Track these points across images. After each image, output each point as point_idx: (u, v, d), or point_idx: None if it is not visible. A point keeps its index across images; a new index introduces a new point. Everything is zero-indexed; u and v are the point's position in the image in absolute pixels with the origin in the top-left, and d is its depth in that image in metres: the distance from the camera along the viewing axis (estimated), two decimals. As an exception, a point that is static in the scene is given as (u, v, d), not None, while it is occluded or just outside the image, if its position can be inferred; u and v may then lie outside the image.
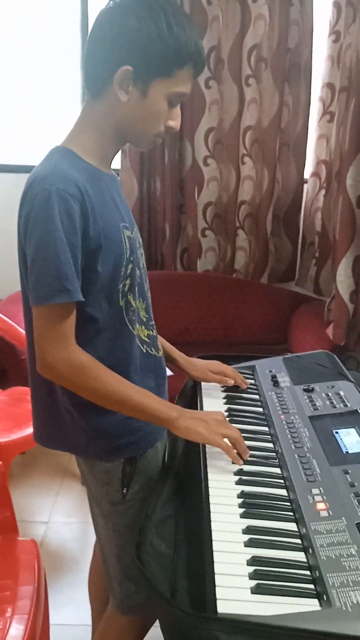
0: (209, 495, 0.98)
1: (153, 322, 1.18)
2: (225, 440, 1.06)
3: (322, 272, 2.75)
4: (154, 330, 1.17)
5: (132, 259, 1.09)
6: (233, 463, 1.06)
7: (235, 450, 1.05)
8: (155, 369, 1.15)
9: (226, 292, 2.80)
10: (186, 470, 1.13)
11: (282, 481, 1.03)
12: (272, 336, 2.80)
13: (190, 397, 1.38)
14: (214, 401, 1.32)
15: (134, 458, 1.13)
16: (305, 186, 2.84)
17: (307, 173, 2.83)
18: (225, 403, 1.32)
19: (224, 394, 1.35)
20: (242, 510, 0.95)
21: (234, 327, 2.79)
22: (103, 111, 1.03)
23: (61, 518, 2.26)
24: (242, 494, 0.99)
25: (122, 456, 1.12)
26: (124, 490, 1.13)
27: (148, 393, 1.05)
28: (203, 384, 1.36)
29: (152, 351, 1.15)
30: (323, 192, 2.73)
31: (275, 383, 1.37)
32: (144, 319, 1.14)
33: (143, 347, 1.13)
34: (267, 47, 2.64)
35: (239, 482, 1.02)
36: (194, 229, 2.83)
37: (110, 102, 1.01)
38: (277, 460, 1.08)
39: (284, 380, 1.38)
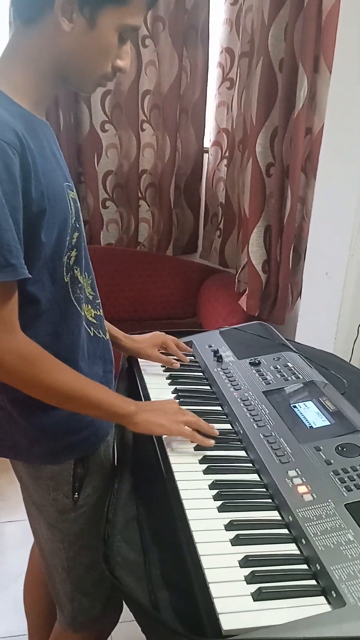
0: (177, 489, 0.88)
1: (99, 300, 1.07)
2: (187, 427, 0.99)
3: (227, 243, 2.71)
4: (100, 310, 1.07)
5: (77, 225, 0.96)
6: (197, 449, 0.98)
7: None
8: (103, 354, 1.05)
9: (132, 266, 2.70)
10: (140, 463, 1.06)
11: (251, 465, 0.97)
12: (181, 310, 2.76)
13: (128, 379, 1.29)
14: (157, 381, 1.23)
15: (85, 457, 1.04)
16: (206, 156, 2.77)
17: (208, 142, 2.76)
18: (170, 384, 1.23)
19: (166, 374, 1.27)
20: (218, 503, 0.86)
21: (142, 303, 2.72)
22: (39, 43, 0.85)
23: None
24: (214, 485, 0.91)
25: (72, 456, 1.02)
26: (75, 496, 1.03)
27: (102, 387, 0.96)
28: (141, 362, 1.29)
29: (99, 334, 1.05)
30: (225, 162, 2.66)
31: (219, 358, 1.30)
32: (90, 297, 1.04)
33: (90, 330, 1.02)
34: (163, 5, 2.49)
35: (207, 471, 0.94)
36: (95, 200, 2.66)
37: (48, 31, 0.84)
38: (240, 443, 1.03)
39: (227, 355, 1.32)
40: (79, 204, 0.99)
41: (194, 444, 1.00)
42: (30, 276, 0.85)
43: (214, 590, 0.71)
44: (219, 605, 0.69)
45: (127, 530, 0.89)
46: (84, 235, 1.01)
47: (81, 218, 0.99)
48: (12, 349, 0.84)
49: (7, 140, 0.79)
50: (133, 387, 1.24)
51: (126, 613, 1.03)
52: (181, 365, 1.29)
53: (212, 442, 0.99)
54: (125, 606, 1.15)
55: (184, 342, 1.39)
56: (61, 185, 0.91)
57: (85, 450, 1.03)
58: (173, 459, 0.96)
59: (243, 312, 2.26)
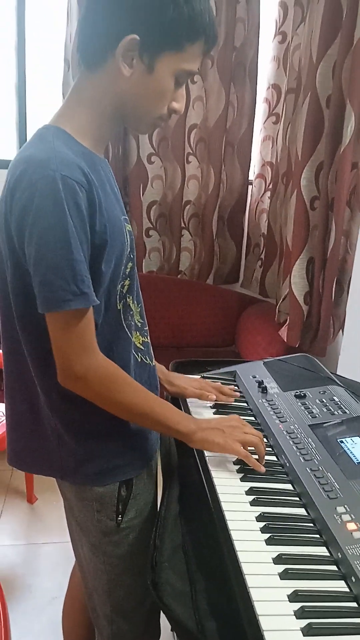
0: (225, 519, 0.89)
1: (147, 327, 1.11)
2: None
3: (268, 273, 2.73)
4: (147, 337, 1.10)
5: (131, 256, 1.00)
6: (243, 479, 0.99)
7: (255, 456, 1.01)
8: (149, 379, 1.08)
9: (172, 293, 2.74)
10: (186, 489, 1.05)
11: (298, 499, 0.96)
12: (219, 338, 2.78)
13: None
14: (200, 411, 1.24)
15: (130, 480, 1.04)
16: (250, 188, 2.82)
17: (252, 174, 2.81)
18: (215, 413, 1.24)
19: (211, 403, 1.28)
20: (266, 535, 0.86)
21: (182, 330, 2.75)
22: (101, 87, 0.90)
23: (7, 541, 2.05)
24: (262, 517, 0.90)
25: (117, 479, 1.03)
26: (119, 518, 1.04)
27: (168, 405, 1.01)
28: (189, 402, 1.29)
29: (146, 360, 1.08)
30: (269, 193, 2.71)
31: (263, 390, 1.30)
32: (139, 324, 1.07)
33: (138, 356, 1.05)
34: (213, 44, 2.58)
35: (254, 503, 0.94)
36: (139, 229, 2.72)
37: (110, 76, 0.89)
38: (286, 476, 1.02)
39: (272, 386, 1.32)
40: (133, 236, 1.03)
41: (240, 474, 1.00)
42: (98, 302, 0.89)
43: (264, 623, 0.71)
44: (269, 639, 0.68)
45: (174, 558, 0.89)
46: (136, 265, 1.05)
47: (134, 249, 1.03)
48: (95, 368, 0.89)
49: (76, 179, 0.83)
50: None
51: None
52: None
53: (264, 469, 0.99)
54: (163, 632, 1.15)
55: (225, 372, 1.40)
56: (119, 219, 0.95)
57: (129, 473, 1.04)
58: (220, 488, 0.96)
59: (283, 342, 2.26)
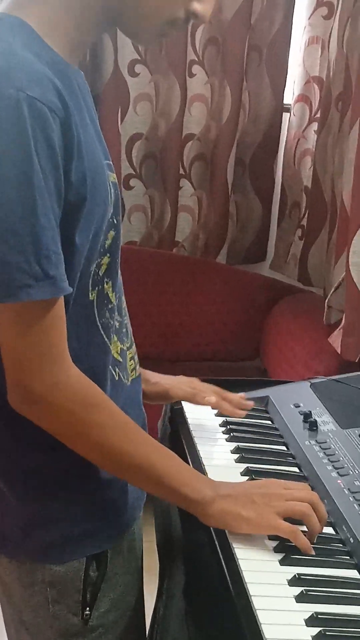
0: (258, 624, 0.90)
1: (128, 329, 1.15)
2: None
3: (311, 249, 2.75)
4: (126, 343, 1.14)
5: (115, 222, 1.02)
6: (284, 562, 1.01)
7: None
8: (124, 406, 1.08)
9: (164, 277, 2.77)
10: (196, 575, 1.09)
11: None
12: (236, 347, 2.81)
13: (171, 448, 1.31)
14: (217, 456, 1.28)
15: (102, 555, 1.08)
16: (287, 117, 2.83)
17: (290, 96, 2.83)
18: (238, 460, 1.27)
19: (231, 445, 1.31)
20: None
21: (178, 334, 2.78)
22: None
23: None
24: (314, 619, 0.92)
25: (84, 553, 1.06)
26: (87, 612, 1.07)
27: (173, 456, 1.05)
28: (191, 425, 1.36)
29: (123, 378, 1.12)
30: (315, 126, 2.72)
31: (312, 426, 1.34)
32: (117, 324, 1.10)
33: (115, 372, 1.09)
34: None
35: (303, 599, 0.95)
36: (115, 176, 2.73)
37: None
38: (350, 558, 1.04)
39: (325, 420, 1.36)
40: (119, 190, 1.04)
41: (280, 555, 1.02)
42: (71, 290, 0.91)
43: None
44: None
45: None
46: (120, 235, 1.06)
47: (120, 211, 1.04)
48: (64, 387, 0.92)
49: (48, 103, 0.84)
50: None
51: None
52: (255, 435, 1.34)
53: (313, 551, 1.02)
54: None
55: (252, 398, 1.42)
56: (102, 165, 0.96)
57: (102, 545, 1.07)
58: (249, 576, 0.98)
59: (336, 355, 2.28)
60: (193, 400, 1.33)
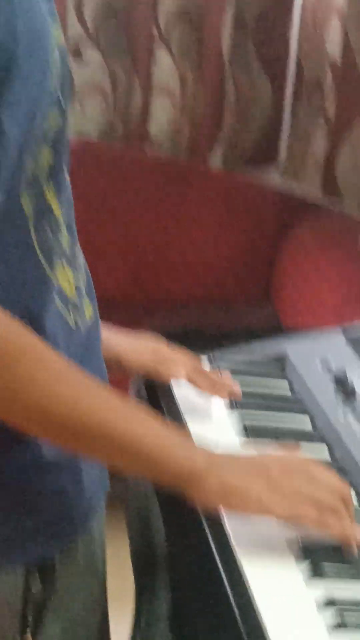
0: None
1: (83, 260, 1.21)
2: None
3: (341, 147, 2.78)
4: (83, 275, 1.19)
5: (60, 99, 1.03)
6: (315, 574, 1.04)
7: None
8: (83, 360, 1.13)
9: (132, 190, 2.80)
10: (186, 592, 1.11)
11: None
12: (236, 290, 2.85)
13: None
14: (213, 437, 1.30)
15: (48, 564, 1.12)
16: None
17: None
18: (244, 432, 1.32)
19: (233, 421, 1.36)
20: None
21: (154, 272, 2.82)
22: None
23: None
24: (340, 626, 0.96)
25: (21, 561, 1.10)
26: (26, 636, 1.12)
27: (148, 414, 1.08)
28: (178, 395, 1.42)
29: (78, 322, 1.16)
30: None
31: (348, 393, 1.37)
32: (68, 251, 1.14)
33: (68, 313, 1.13)
34: None
35: (337, 629, 0.98)
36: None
37: None
38: None
39: None
40: (67, 54, 1.05)
41: (304, 563, 1.05)
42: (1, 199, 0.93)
43: None
44: None
45: None
46: (68, 124, 1.08)
47: (68, 82, 1.06)
48: None
49: None
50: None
51: None
52: (268, 409, 1.38)
53: (357, 550, 1.05)
54: None
55: (263, 357, 1.47)
56: (42, 14, 0.98)
57: (46, 548, 1.10)
58: (261, 598, 1.00)
59: None
60: (156, 376, 1.38)
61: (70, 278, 1.13)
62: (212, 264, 2.85)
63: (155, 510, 1.21)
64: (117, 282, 2.79)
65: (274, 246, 2.82)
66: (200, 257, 2.85)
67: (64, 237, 1.11)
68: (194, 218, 2.83)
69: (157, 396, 1.41)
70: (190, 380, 1.38)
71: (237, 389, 1.40)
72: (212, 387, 1.38)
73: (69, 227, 1.12)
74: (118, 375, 1.39)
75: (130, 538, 1.24)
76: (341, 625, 0.96)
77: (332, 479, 1.09)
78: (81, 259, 1.19)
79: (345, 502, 1.07)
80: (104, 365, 1.24)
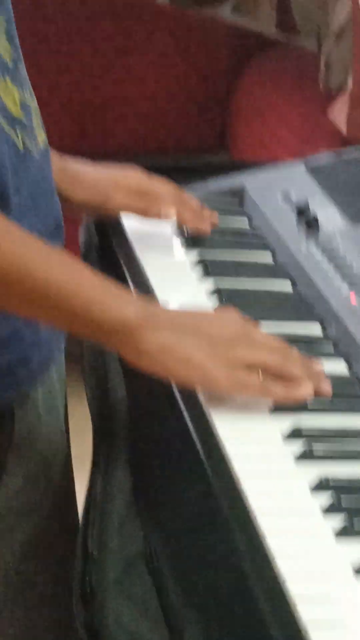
0: (240, 494, 0.93)
1: (23, 71, 1.15)
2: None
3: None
4: (30, 94, 1.15)
5: None
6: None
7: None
8: (32, 193, 1.13)
9: (74, 30, 2.74)
10: (149, 438, 1.14)
11: None
12: (188, 136, 2.83)
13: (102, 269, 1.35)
14: (170, 273, 1.33)
15: (5, 410, 1.13)
16: None
17: None
18: (203, 276, 1.30)
19: (189, 253, 1.36)
20: (335, 522, 0.91)
21: (98, 118, 2.80)
22: None
23: None
24: (321, 485, 0.95)
25: None
26: None
27: (77, 264, 1.06)
28: (130, 232, 1.42)
29: (30, 146, 1.13)
30: None
31: (311, 224, 1.35)
32: (6, 58, 1.09)
33: (15, 134, 1.09)
34: None
35: (304, 456, 0.99)
36: None
37: None
38: None
39: (328, 215, 1.37)
40: None
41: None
42: None
43: None
44: None
45: (130, 578, 0.94)
46: None
47: None
48: None
49: None
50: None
51: None
52: (226, 244, 1.37)
53: (309, 390, 1.04)
54: None
55: (221, 190, 1.46)
56: None
57: (4, 395, 1.11)
58: (222, 429, 1.01)
59: (338, 135, 2.31)
60: (145, 214, 1.37)
61: (15, 95, 1.09)
62: (163, 110, 2.84)
63: (113, 365, 1.21)
64: (61, 134, 2.74)
65: (228, 87, 2.81)
66: (150, 103, 2.83)
67: (3, 46, 1.07)
68: (141, 59, 2.80)
69: (109, 240, 1.40)
70: (179, 216, 1.37)
71: (216, 218, 1.40)
72: (197, 221, 1.38)
73: (9, 36, 1.09)
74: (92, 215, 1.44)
75: (86, 387, 1.22)
76: (308, 456, 0.97)
77: (272, 341, 1.08)
78: (27, 77, 1.14)
79: (290, 361, 1.06)
80: (55, 194, 1.21)
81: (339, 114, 2.30)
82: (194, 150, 2.81)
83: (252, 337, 1.06)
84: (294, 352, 1.07)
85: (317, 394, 1.04)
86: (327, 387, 1.05)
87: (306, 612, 0.79)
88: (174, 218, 1.37)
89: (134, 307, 1.03)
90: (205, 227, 1.38)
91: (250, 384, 1.03)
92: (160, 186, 1.39)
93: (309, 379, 1.05)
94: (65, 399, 1.26)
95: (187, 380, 1.03)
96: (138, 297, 1.10)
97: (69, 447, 1.24)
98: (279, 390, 1.04)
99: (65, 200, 1.31)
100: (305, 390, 1.03)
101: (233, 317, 1.09)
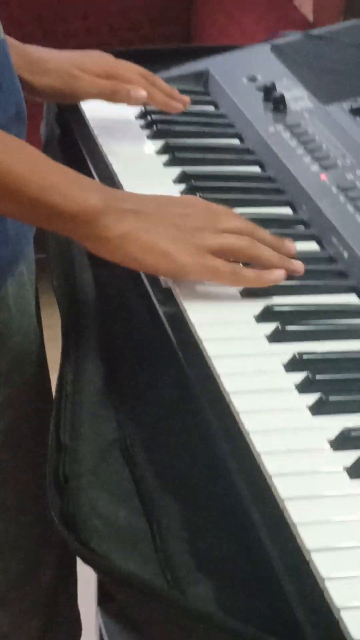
0: (216, 384, 0.94)
1: None
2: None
3: None
4: None
5: None
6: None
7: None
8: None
9: None
10: (120, 326, 1.14)
11: None
12: (153, 32, 2.80)
13: (64, 156, 1.37)
14: (134, 157, 1.32)
15: None
16: None
17: None
18: (169, 162, 1.30)
19: (153, 141, 1.35)
20: (306, 400, 0.92)
21: (61, 15, 2.77)
22: None
23: None
24: (294, 362, 0.95)
25: None
26: None
27: (26, 146, 1.04)
28: (92, 120, 1.40)
29: None
30: None
31: (278, 103, 1.34)
32: None
33: None
34: None
35: (277, 337, 1.00)
36: None
37: None
38: (345, 278, 1.10)
39: (296, 95, 1.36)
40: None
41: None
42: None
43: (322, 565, 0.74)
44: (337, 596, 0.72)
45: (105, 466, 0.94)
46: None
47: None
48: None
49: None
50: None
51: None
52: (190, 133, 1.37)
53: (280, 273, 1.04)
54: None
55: (185, 74, 1.47)
56: None
57: None
58: (194, 314, 1.01)
59: (304, 23, 2.29)
60: (113, 98, 1.35)
61: None
62: (125, 6, 2.82)
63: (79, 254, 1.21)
64: (19, 26, 2.72)
65: None
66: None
67: None
68: None
69: (71, 130, 1.40)
70: (150, 97, 1.35)
71: (187, 99, 1.38)
72: (169, 101, 1.37)
73: None
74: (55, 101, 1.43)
75: (55, 285, 1.21)
76: (280, 335, 0.98)
77: (241, 224, 1.07)
78: None
79: (258, 243, 1.05)
80: (18, 85, 1.18)
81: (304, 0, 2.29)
82: (150, 24, 2.86)
83: (220, 221, 1.05)
84: (264, 233, 1.06)
85: (289, 274, 1.03)
86: (299, 267, 1.05)
87: (283, 487, 0.80)
88: (144, 100, 1.35)
89: (96, 193, 1.02)
90: (177, 106, 1.37)
91: (220, 269, 1.02)
92: (128, 67, 1.38)
93: (280, 260, 1.04)
94: (37, 294, 1.26)
95: (154, 268, 1.03)
96: (101, 183, 1.07)
97: (42, 344, 1.25)
98: (250, 275, 1.04)
99: (28, 86, 1.30)
100: (276, 274, 1.03)
101: (199, 202, 1.09)
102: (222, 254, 1.03)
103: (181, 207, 1.07)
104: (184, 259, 1.01)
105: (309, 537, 0.76)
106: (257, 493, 0.81)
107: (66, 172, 1.04)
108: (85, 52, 1.42)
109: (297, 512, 0.78)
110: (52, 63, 1.36)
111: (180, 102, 1.37)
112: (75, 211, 1.00)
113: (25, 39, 2.59)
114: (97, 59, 1.40)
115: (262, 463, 0.82)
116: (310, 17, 2.26)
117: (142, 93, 1.33)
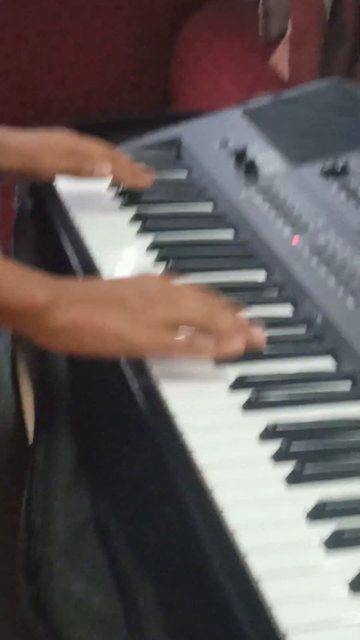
0: (190, 457, 0.93)
1: None
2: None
3: None
4: None
5: None
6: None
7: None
8: None
9: None
10: (88, 397, 1.15)
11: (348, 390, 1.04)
12: (131, 96, 2.80)
13: (38, 240, 1.41)
14: (111, 236, 1.33)
15: None
16: None
17: None
18: (140, 230, 1.30)
19: (124, 211, 1.36)
20: (281, 470, 0.91)
21: (39, 84, 2.76)
22: None
23: None
24: (268, 432, 0.95)
25: None
26: None
27: None
28: (64, 195, 1.42)
29: None
30: None
31: (249, 168, 1.36)
32: None
33: None
34: None
35: (250, 405, 1.00)
36: None
37: None
38: (316, 343, 1.10)
39: (267, 158, 1.38)
40: None
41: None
42: None
43: None
44: None
45: (78, 547, 0.94)
46: None
47: None
48: None
49: None
50: (51, 257, 1.33)
51: None
52: (163, 198, 1.37)
53: (239, 344, 1.03)
54: None
55: (158, 142, 1.47)
56: None
57: None
58: (165, 386, 1.02)
59: (279, 84, 2.27)
60: (78, 174, 1.36)
61: None
62: (104, 72, 2.81)
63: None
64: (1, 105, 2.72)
65: (169, 44, 2.79)
66: (90, 63, 2.81)
67: None
68: (77, 23, 2.79)
69: (43, 204, 1.41)
70: (114, 174, 1.37)
71: (152, 174, 1.39)
72: (133, 177, 1.38)
73: None
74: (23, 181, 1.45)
75: (27, 364, 1.24)
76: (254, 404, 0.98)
77: (195, 296, 1.07)
78: None
79: (215, 314, 1.05)
80: None
81: (280, 59, 2.30)
82: (132, 97, 2.85)
83: (173, 294, 1.06)
84: (221, 303, 1.06)
85: (249, 345, 1.03)
86: (259, 337, 1.04)
87: (258, 562, 0.79)
88: (108, 175, 1.37)
89: (41, 288, 1.02)
90: (142, 182, 1.38)
91: (175, 343, 1.02)
92: (91, 144, 1.39)
93: (238, 330, 1.04)
94: (15, 368, 1.27)
95: (108, 352, 1.03)
96: (49, 276, 1.06)
97: (21, 417, 1.25)
98: (206, 346, 1.03)
99: None
100: (234, 345, 1.03)
101: (153, 280, 1.10)
102: (179, 326, 1.03)
103: (134, 286, 1.07)
104: (137, 337, 1.01)
105: (285, 614, 0.76)
106: (232, 568, 0.81)
107: (13, 268, 1.05)
108: (49, 133, 1.43)
109: (273, 590, 0.78)
110: (14, 144, 1.38)
111: (143, 178, 1.39)
112: (22, 308, 1.00)
113: (6, 107, 2.63)
114: (59, 139, 1.41)
115: (235, 539, 0.82)
116: (286, 75, 2.27)
117: (105, 170, 1.35)
